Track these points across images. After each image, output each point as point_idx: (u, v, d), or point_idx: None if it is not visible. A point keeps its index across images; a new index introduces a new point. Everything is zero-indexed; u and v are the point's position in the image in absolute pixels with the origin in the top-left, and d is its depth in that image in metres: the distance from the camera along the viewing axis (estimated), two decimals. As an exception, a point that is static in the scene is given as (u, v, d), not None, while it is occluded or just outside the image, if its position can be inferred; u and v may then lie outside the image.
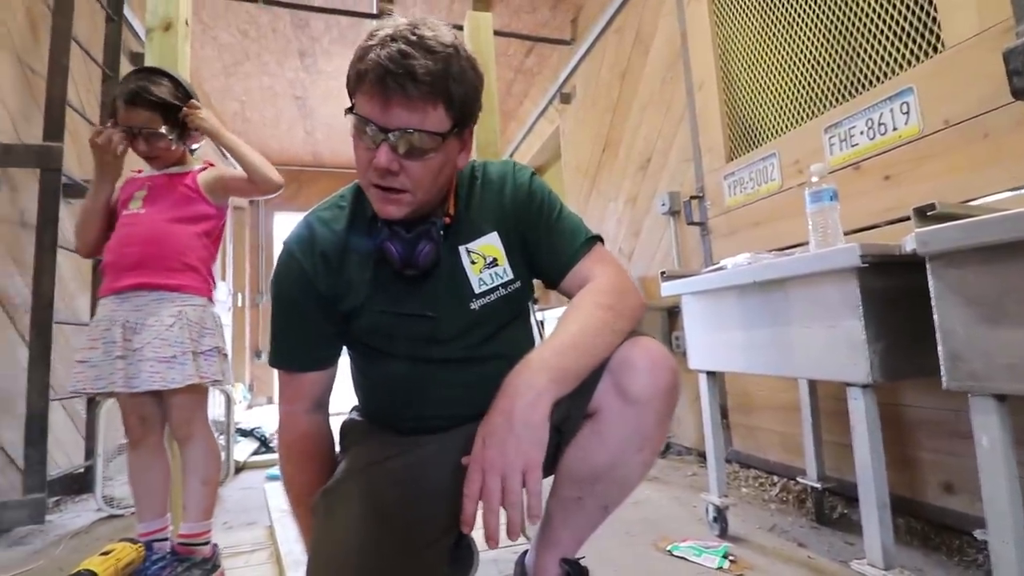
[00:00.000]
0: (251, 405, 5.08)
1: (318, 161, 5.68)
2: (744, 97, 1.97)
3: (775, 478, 1.81)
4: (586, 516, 0.81)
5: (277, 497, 1.55)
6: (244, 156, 1.26)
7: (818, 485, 1.46)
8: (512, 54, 3.82)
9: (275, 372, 0.87)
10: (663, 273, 1.49)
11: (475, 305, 0.81)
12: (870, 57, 1.48)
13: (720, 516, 1.40)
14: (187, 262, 1.20)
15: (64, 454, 2.07)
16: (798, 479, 1.54)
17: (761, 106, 1.89)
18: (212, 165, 1.34)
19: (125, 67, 2.49)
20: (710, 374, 1.43)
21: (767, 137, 1.86)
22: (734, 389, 2.03)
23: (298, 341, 0.82)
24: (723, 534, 1.40)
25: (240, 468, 2.46)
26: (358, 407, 0.94)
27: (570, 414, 0.67)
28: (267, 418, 3.76)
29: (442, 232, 0.79)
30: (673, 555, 1.29)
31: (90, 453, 2.16)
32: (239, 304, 5.20)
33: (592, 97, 3.26)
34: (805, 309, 1.08)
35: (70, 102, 2.00)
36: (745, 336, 1.25)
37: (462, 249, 0.82)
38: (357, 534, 0.70)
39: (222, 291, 4.48)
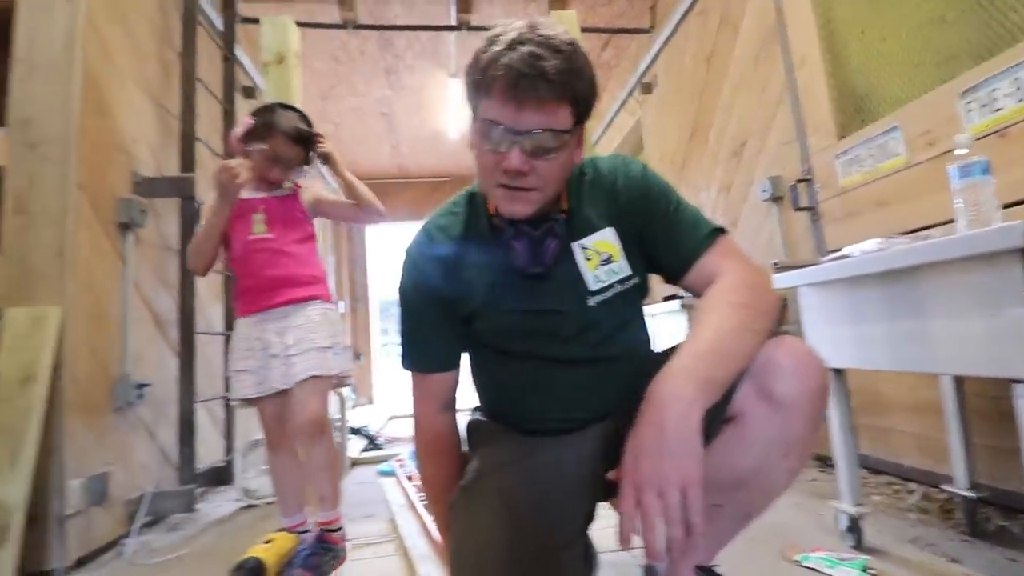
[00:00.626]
0: (355, 405, 5.43)
1: (403, 173, 5.95)
2: (855, 68, 1.81)
3: (912, 485, 1.64)
4: (725, 524, 0.78)
5: (394, 492, 1.64)
6: (358, 188, 1.41)
7: (970, 494, 1.31)
8: (588, 49, 3.73)
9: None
10: (775, 264, 1.40)
11: (592, 303, 0.81)
12: (1013, 9, 1.30)
13: (854, 526, 1.29)
14: (315, 275, 1.37)
15: (207, 450, 2.33)
16: (942, 487, 1.39)
17: (877, 76, 1.72)
18: (300, 187, 1.47)
19: (239, 101, 2.76)
20: (835, 371, 1.32)
21: (886, 109, 1.69)
22: (860, 387, 1.86)
23: (425, 344, 0.86)
24: (858, 545, 1.29)
25: (353, 464, 2.64)
26: (480, 407, 0.97)
27: (706, 421, 0.64)
28: (371, 417, 3.99)
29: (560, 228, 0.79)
30: (803, 566, 1.21)
31: (229, 449, 2.42)
32: (341, 311, 5.58)
33: (675, 84, 3.14)
34: (953, 297, 0.97)
35: (198, 136, 2.25)
36: (877, 329, 1.14)
37: (576, 246, 0.81)
38: (497, 534, 0.72)
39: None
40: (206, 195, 2.40)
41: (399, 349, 0.88)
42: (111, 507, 1.72)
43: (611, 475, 0.62)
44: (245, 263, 1.35)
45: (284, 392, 1.26)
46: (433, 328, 0.85)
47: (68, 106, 1.73)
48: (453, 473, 0.87)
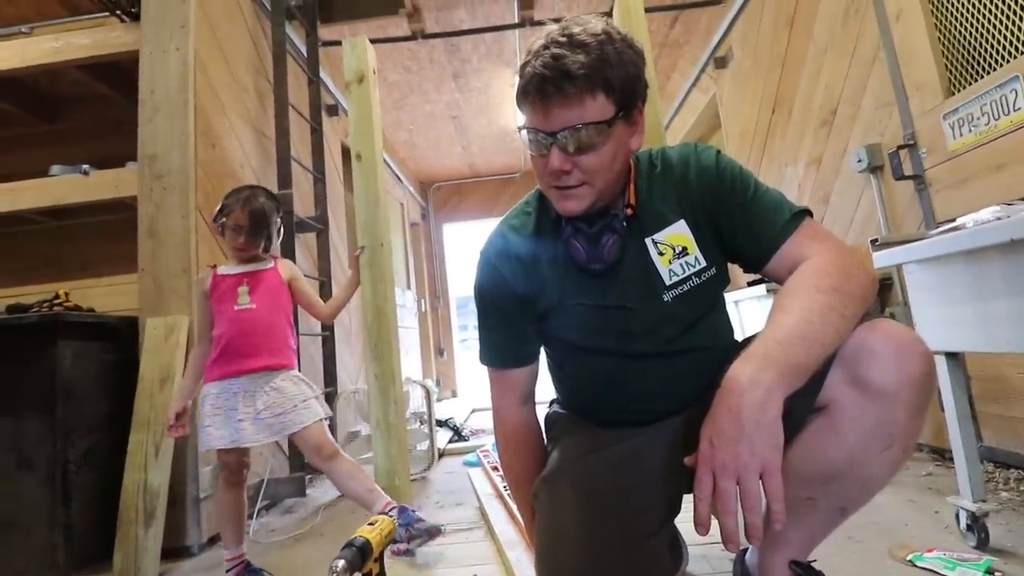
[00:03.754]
0: (439, 399, 5.67)
1: (474, 172, 6.09)
2: (963, 17, 1.61)
3: (1052, 481, 1.45)
4: (819, 517, 0.74)
5: (481, 481, 1.71)
6: (340, 309, 1.70)
7: None
8: (655, 30, 3.65)
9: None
10: (874, 241, 1.30)
11: (667, 297, 0.80)
12: None
13: (977, 524, 1.17)
14: (289, 344, 1.55)
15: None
16: (1092, 483, 1.22)
17: (990, 21, 1.52)
18: (277, 260, 1.62)
19: (324, 120, 2.97)
20: (950, 355, 1.20)
21: (1002, 59, 1.49)
22: (981, 373, 1.67)
23: (502, 341, 0.90)
24: (982, 546, 1.16)
25: (441, 455, 2.77)
26: (558, 400, 0.99)
27: (792, 409, 0.61)
28: (455, 410, 4.15)
29: (625, 223, 0.79)
30: (916, 566, 1.11)
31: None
32: (423, 309, 5.84)
33: (753, 55, 2.95)
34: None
35: (293, 156, 2.46)
36: (1000, 307, 1.02)
37: (648, 241, 0.81)
38: (579, 522, 0.75)
39: (409, 298, 5.07)
40: (302, 209, 2.62)
41: (478, 345, 0.92)
42: (237, 491, 1.94)
43: (687, 460, 0.62)
44: (228, 332, 1.49)
45: (241, 453, 1.47)
46: (509, 325, 0.88)
47: (185, 141, 1.96)
48: (534, 463, 0.90)
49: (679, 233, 0.80)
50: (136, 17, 2.06)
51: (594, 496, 0.77)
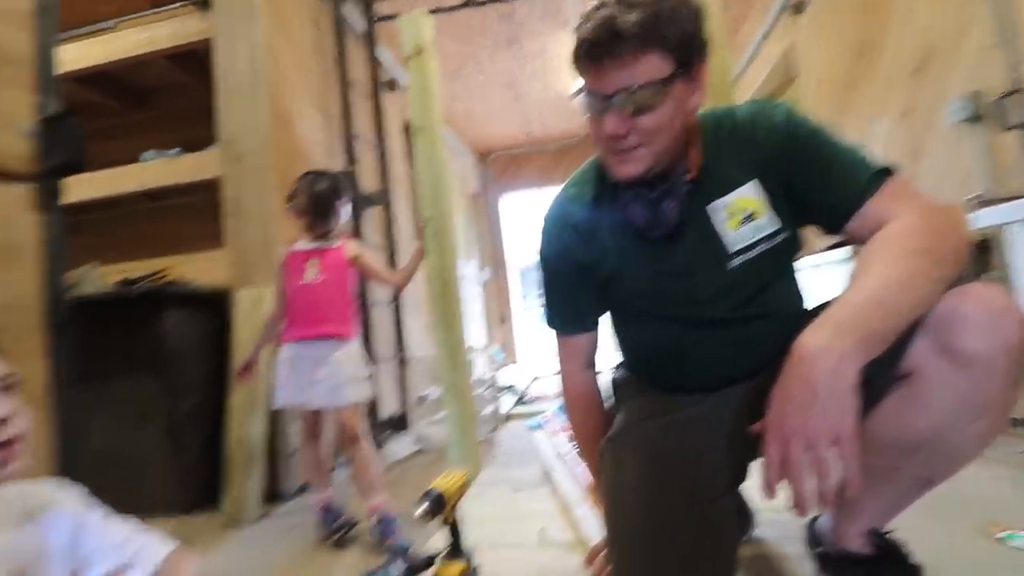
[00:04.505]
0: (502, 366, 5.82)
1: (532, 140, 6.02)
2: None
3: None
4: (899, 487, 0.72)
5: (544, 444, 1.77)
6: (407, 281, 1.78)
7: None
8: (724, -23, 3.40)
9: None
10: (975, 198, 1.19)
11: (734, 264, 0.78)
12: None
13: (1082, 503, 1.09)
14: (348, 317, 1.66)
15: (387, 402, 2.72)
16: None
17: None
18: (344, 241, 1.72)
19: (385, 95, 3.04)
20: (1056, 323, 1.10)
21: None
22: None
23: (564, 307, 0.92)
24: (1087, 526, 1.08)
25: (506, 418, 2.88)
26: (623, 364, 1.01)
27: (871, 378, 0.58)
28: (516, 377, 4.26)
29: (687, 187, 0.77)
30: (1009, 545, 1.06)
31: (403, 402, 2.80)
32: (485, 279, 5.95)
33: (835, -2, 2.70)
34: None
35: (356, 133, 2.55)
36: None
37: (714, 205, 0.78)
38: (644, 483, 0.77)
39: (471, 268, 5.17)
40: (365, 183, 2.72)
41: (542, 310, 0.95)
42: (321, 447, 2.12)
43: (753, 428, 0.60)
44: (295, 302, 1.65)
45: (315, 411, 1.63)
46: (572, 292, 0.90)
47: (259, 123, 2.08)
48: (599, 425, 0.92)
49: (747, 196, 0.77)
50: (207, 6, 2.18)
51: (656, 459, 0.79)
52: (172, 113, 2.80)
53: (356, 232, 2.53)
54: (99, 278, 2.17)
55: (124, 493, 0.75)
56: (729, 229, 0.78)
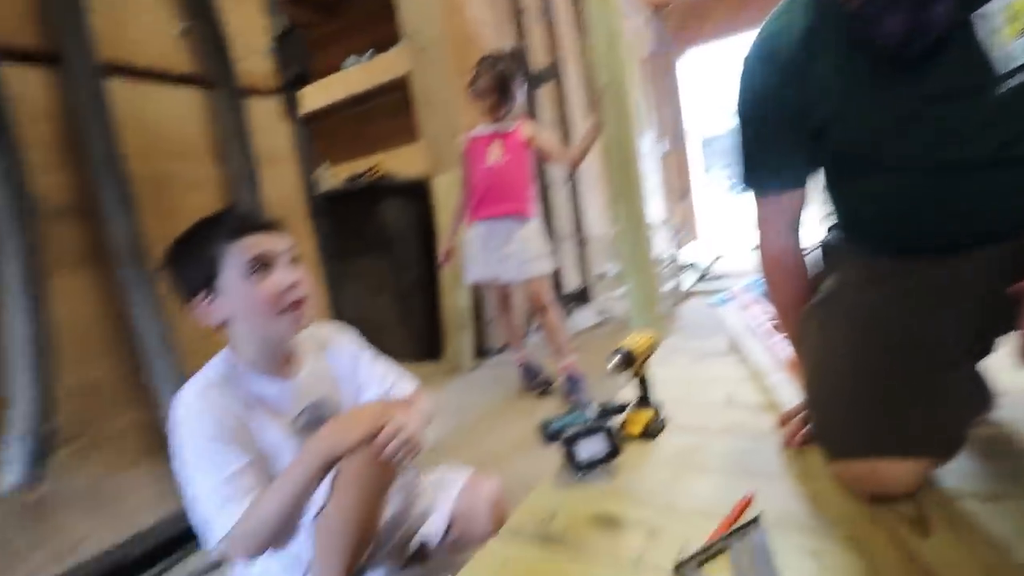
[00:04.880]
0: (681, 243, 5.60)
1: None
2: None
3: None
4: None
5: (734, 318, 1.73)
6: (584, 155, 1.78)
7: None
8: None
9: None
10: None
11: (1008, 86, 0.61)
12: None
13: None
14: (529, 195, 1.77)
15: (570, 276, 2.90)
16: None
17: None
18: (521, 119, 1.77)
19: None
20: None
21: None
22: None
23: (767, 162, 0.83)
24: None
25: (688, 294, 2.84)
26: (836, 227, 0.90)
27: None
28: (698, 254, 4.08)
29: None
30: None
31: (585, 277, 2.94)
32: (663, 150, 5.55)
33: None
34: None
35: (522, 8, 2.46)
36: None
37: (986, 8, 0.61)
38: (858, 346, 0.72)
39: (648, 139, 4.84)
40: (535, 60, 2.66)
41: (739, 167, 0.87)
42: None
43: (1016, 288, 0.52)
44: (481, 184, 1.74)
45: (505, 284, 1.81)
46: (776, 144, 0.81)
47: (435, 12, 2.14)
48: (800, 292, 0.86)
49: None
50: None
51: (873, 323, 0.72)
52: (362, 18, 3.02)
53: (530, 112, 2.55)
54: (330, 176, 2.62)
55: (371, 348, 0.97)
56: (1006, 39, 0.60)
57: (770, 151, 0.82)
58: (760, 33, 0.80)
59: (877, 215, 0.78)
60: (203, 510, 0.70)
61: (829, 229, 0.91)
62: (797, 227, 0.87)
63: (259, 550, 0.71)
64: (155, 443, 1.07)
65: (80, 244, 1.02)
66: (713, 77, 5.53)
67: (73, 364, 0.98)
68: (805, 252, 0.89)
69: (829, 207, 0.89)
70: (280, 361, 0.82)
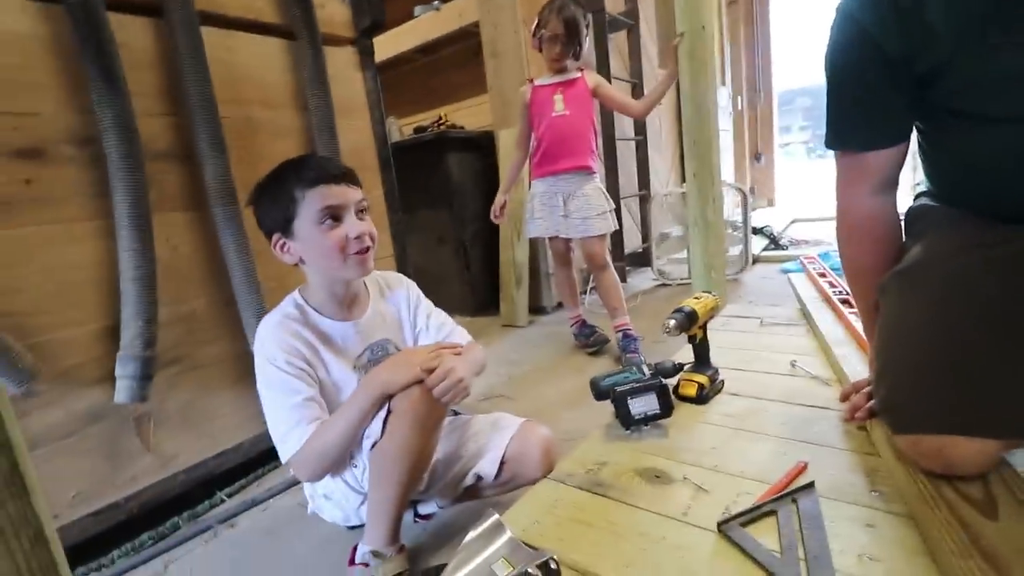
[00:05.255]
0: (754, 207, 5.30)
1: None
2: None
3: None
4: None
5: (805, 286, 1.65)
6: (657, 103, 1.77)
7: None
8: None
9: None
10: None
11: None
12: None
13: None
14: (593, 149, 1.73)
15: (629, 238, 2.83)
16: None
17: None
18: (584, 69, 1.71)
19: None
20: None
21: None
22: None
23: (859, 117, 0.76)
24: None
25: (755, 260, 2.71)
26: (928, 191, 0.83)
27: None
28: (772, 219, 3.86)
29: None
30: None
31: (645, 238, 2.87)
32: (738, 107, 5.19)
33: None
34: None
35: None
36: None
37: None
38: (941, 314, 0.67)
39: (723, 95, 4.54)
40: (610, 3, 2.52)
41: (826, 124, 0.80)
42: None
43: None
44: (546, 136, 1.69)
45: (566, 239, 1.78)
46: (875, 95, 0.73)
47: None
48: (884, 258, 0.80)
49: None
50: None
51: (963, 292, 0.66)
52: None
53: (604, 60, 2.44)
54: (399, 128, 2.65)
55: (430, 298, 1.02)
56: None
57: (863, 105, 0.75)
58: None
59: (984, 177, 0.71)
60: (274, 432, 0.78)
61: (916, 196, 0.84)
62: (886, 190, 0.80)
63: (320, 474, 0.80)
64: (244, 371, 1.18)
65: (179, 186, 1.11)
66: (803, 26, 5.02)
67: (173, 296, 1.09)
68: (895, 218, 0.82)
69: (919, 173, 0.81)
70: (346, 303, 0.88)
